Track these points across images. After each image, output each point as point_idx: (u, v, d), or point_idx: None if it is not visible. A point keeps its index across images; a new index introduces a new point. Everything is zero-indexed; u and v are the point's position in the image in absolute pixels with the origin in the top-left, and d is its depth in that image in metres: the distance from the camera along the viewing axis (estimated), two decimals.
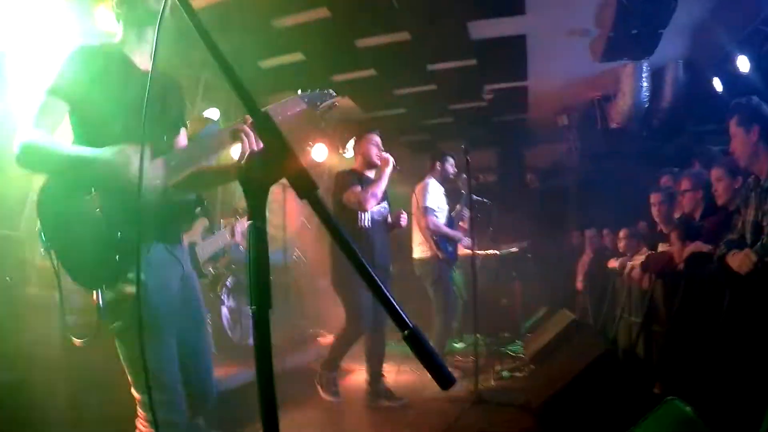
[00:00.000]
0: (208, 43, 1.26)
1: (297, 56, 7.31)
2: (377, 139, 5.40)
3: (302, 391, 5.37)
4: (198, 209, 2.55)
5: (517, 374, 6.01)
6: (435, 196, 6.35)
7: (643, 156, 8.37)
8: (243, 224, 4.18)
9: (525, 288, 8.59)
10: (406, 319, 1.04)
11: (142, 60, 2.41)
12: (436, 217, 6.29)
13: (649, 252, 5.40)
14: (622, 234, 6.68)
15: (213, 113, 7.61)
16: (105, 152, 2.14)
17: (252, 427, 4.29)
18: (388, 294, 1.05)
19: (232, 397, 4.31)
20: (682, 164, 5.99)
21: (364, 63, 7.61)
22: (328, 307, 7.39)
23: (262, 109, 1.18)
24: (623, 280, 5.74)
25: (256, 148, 2.13)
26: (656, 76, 7.49)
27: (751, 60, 6.24)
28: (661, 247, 5.14)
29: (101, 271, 2.15)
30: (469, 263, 5.92)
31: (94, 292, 2.14)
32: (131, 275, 2.07)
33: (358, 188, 5.03)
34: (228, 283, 6.13)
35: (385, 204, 5.35)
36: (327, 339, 7.28)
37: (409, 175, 6.98)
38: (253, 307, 1.06)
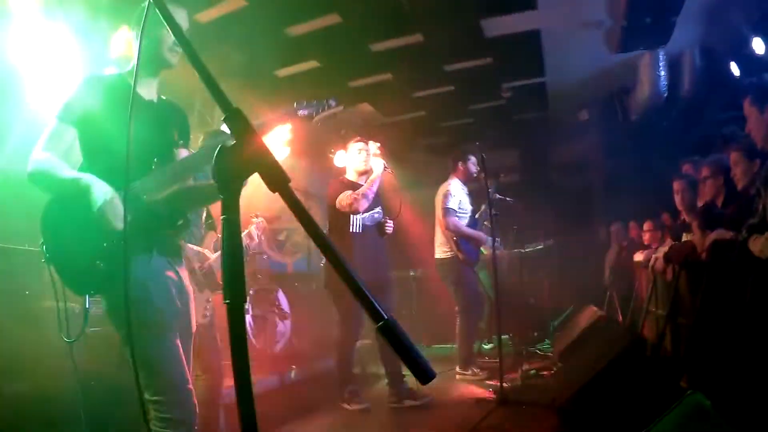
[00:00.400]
0: (176, 32, 1.26)
1: (312, 64, 7.33)
2: (363, 144, 5.46)
3: (329, 396, 5.36)
4: (180, 222, 2.60)
5: (545, 373, 5.93)
6: (457, 197, 6.32)
7: (665, 146, 8.21)
8: (257, 226, 4.19)
9: (553, 286, 8.51)
10: (381, 311, 1.01)
11: (148, 92, 2.59)
12: (458, 218, 6.26)
13: (673, 243, 5.30)
14: (646, 226, 6.58)
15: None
16: (89, 181, 2.28)
17: None
18: (361, 285, 1.02)
19: (257, 403, 4.29)
20: (704, 152, 5.86)
21: (379, 67, 7.60)
22: None
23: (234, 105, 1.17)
24: (648, 273, 5.64)
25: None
26: (673, 65, 7.34)
27: (766, 41, 6.11)
28: (685, 237, 5.03)
29: (88, 278, 2.31)
30: (494, 263, 5.86)
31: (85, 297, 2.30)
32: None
33: (350, 192, 5.12)
34: (251, 291, 6.16)
35: (378, 209, 5.40)
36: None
37: (432, 177, 6.96)
38: (227, 301, 1.06)
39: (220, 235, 4.30)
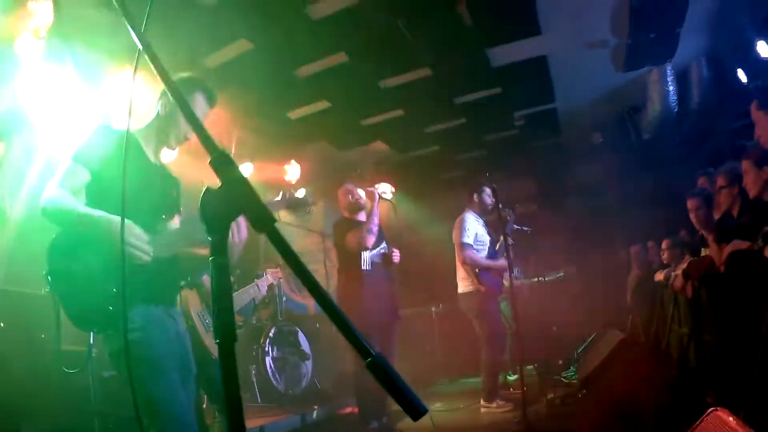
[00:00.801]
0: (166, 79, 1.28)
1: (323, 104, 7.42)
2: (350, 186, 5.57)
3: None
4: (183, 283, 2.86)
5: (569, 400, 5.83)
6: (472, 230, 6.29)
7: (680, 161, 8.14)
8: (270, 275, 4.22)
9: (576, 312, 8.39)
10: (369, 348, 1.01)
11: (154, 155, 2.78)
12: (476, 250, 6.23)
13: (691, 259, 5.22)
14: (664, 245, 6.51)
15: (247, 168, 7.79)
16: (111, 219, 2.36)
17: None
18: (347, 322, 1.02)
19: None
20: (718, 163, 5.79)
21: (390, 104, 7.67)
22: None
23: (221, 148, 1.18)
24: (670, 292, 5.56)
25: (237, 240, 2.58)
26: (682, 78, 7.30)
27: None
28: (704, 252, 4.96)
29: (95, 317, 2.40)
30: (515, 294, 5.84)
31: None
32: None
33: (355, 230, 5.19)
34: (271, 334, 6.15)
35: (383, 245, 5.43)
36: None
37: (450, 212, 6.96)
38: (217, 340, 1.07)
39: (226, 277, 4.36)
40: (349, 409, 6.21)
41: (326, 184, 8.53)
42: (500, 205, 5.79)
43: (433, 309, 9.34)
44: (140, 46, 1.26)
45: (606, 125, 9.18)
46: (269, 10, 5.17)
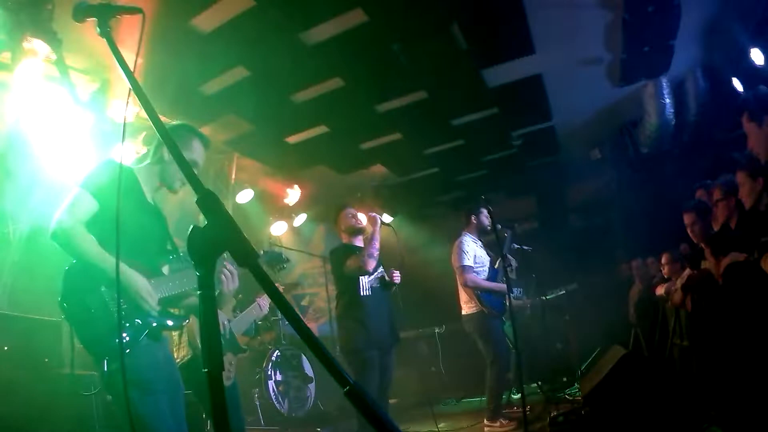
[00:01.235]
0: (156, 123, 1.35)
1: (321, 128, 7.47)
2: (351, 210, 5.57)
3: None
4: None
5: (572, 417, 5.81)
6: (471, 252, 6.31)
7: (679, 174, 8.15)
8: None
9: (579, 329, 8.38)
10: (347, 377, 1.06)
11: (151, 195, 2.94)
12: (476, 273, 6.25)
13: (690, 273, 5.24)
14: (664, 259, 6.53)
15: (247, 194, 7.86)
16: (123, 269, 2.49)
17: None
18: (326, 353, 1.07)
19: None
20: (716, 175, 5.82)
21: (388, 127, 7.72)
22: None
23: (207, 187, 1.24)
24: (670, 306, 5.57)
25: (231, 287, 2.86)
26: (678, 90, 7.34)
27: (764, 51, 5.99)
28: (703, 266, 4.97)
29: (105, 346, 2.52)
30: (517, 313, 5.85)
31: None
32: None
33: (355, 255, 5.17)
34: (273, 357, 6.18)
35: (380, 270, 5.42)
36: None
37: (451, 233, 6.99)
38: (205, 369, 1.14)
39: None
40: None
41: (326, 207, 8.60)
42: (498, 225, 5.81)
43: (437, 330, 9.33)
44: (140, 105, 1.33)
45: (604, 141, 9.24)
46: (265, 37, 5.24)
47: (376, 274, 5.31)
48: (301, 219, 9.31)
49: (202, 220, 1.21)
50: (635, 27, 5.78)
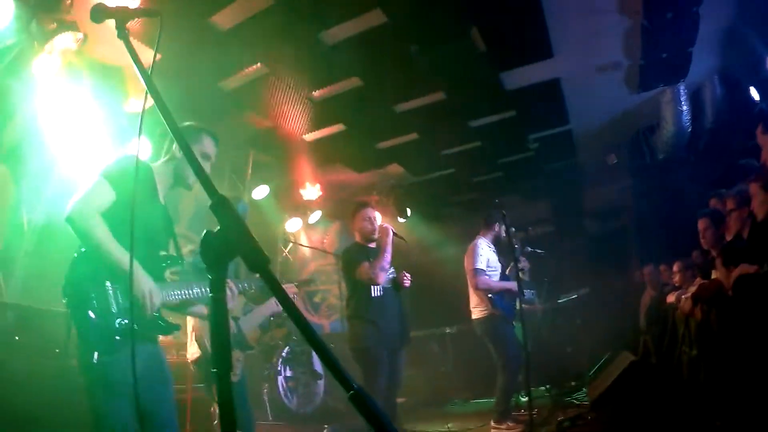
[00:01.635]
0: (171, 126, 1.39)
1: (339, 127, 7.51)
2: (370, 213, 5.45)
3: None
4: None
5: (579, 422, 5.81)
6: (484, 255, 6.31)
7: (694, 181, 8.11)
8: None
9: (590, 333, 8.37)
10: (351, 381, 1.09)
11: (165, 194, 2.95)
12: (488, 276, 6.25)
13: (701, 282, 5.21)
14: (675, 267, 6.49)
15: (263, 190, 7.92)
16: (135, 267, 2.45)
17: None
18: (331, 357, 1.11)
19: None
20: (731, 184, 5.78)
21: (405, 127, 7.75)
22: None
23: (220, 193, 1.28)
24: (680, 314, 5.54)
25: (230, 305, 2.87)
26: (695, 97, 7.32)
27: None
28: (714, 275, 4.96)
29: (99, 338, 2.51)
30: (529, 316, 5.85)
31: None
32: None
33: (367, 264, 5.10)
34: (284, 353, 6.22)
35: (392, 270, 5.39)
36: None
37: (466, 234, 6.99)
38: (214, 369, 1.18)
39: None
40: (360, 428, 6.25)
41: (343, 205, 8.63)
42: (512, 229, 5.81)
43: (447, 330, 9.35)
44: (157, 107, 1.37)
45: (621, 146, 9.20)
46: (284, 35, 5.28)
47: (388, 276, 5.31)
48: (316, 216, 9.35)
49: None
50: (654, 33, 5.78)
